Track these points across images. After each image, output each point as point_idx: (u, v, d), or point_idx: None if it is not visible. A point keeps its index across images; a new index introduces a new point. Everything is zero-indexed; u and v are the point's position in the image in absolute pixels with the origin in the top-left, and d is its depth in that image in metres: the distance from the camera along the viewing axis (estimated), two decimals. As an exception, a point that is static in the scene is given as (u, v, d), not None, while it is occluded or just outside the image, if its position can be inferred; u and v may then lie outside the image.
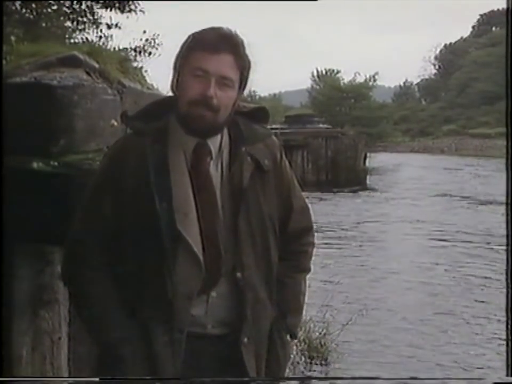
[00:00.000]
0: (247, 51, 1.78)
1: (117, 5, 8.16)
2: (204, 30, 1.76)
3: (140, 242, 1.73)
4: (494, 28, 69.36)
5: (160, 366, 1.71)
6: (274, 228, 1.86)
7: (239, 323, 1.78)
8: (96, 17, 8.37)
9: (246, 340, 1.78)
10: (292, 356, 3.86)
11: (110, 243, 1.77)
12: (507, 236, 2.25)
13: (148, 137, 1.75)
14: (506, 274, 2.27)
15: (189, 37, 1.76)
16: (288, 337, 1.94)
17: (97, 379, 1.85)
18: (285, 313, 1.92)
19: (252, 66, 1.80)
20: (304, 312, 2.06)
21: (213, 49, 1.70)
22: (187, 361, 1.74)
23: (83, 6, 8.12)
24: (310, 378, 4.65)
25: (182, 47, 1.76)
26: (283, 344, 1.92)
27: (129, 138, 1.84)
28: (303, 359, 5.13)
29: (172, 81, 1.79)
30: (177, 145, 1.78)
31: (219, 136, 1.82)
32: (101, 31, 8.55)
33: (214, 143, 1.80)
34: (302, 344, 5.16)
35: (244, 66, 1.76)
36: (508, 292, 2.31)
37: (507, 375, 2.23)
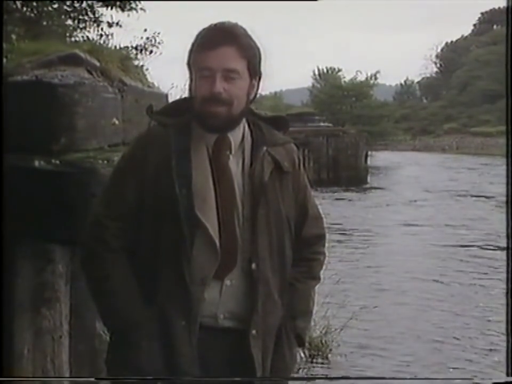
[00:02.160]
0: (252, 40, 1.80)
1: (117, 3, 8.17)
2: (204, 28, 1.79)
3: (159, 226, 1.76)
4: (495, 26, 69.29)
5: (177, 351, 1.73)
6: (290, 228, 1.90)
7: (249, 316, 1.80)
8: (97, 15, 8.37)
9: (254, 332, 1.80)
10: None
11: (131, 226, 1.80)
12: (507, 235, 2.24)
13: (172, 129, 1.80)
14: (507, 274, 2.27)
15: (195, 37, 1.80)
16: (295, 342, 1.95)
17: (93, 379, 1.86)
18: (294, 315, 1.93)
19: (261, 53, 1.83)
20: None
21: (212, 46, 1.74)
22: (197, 354, 1.76)
23: (84, 5, 8.12)
24: (313, 378, 4.65)
25: (190, 50, 1.81)
26: (290, 345, 1.93)
27: (154, 129, 1.88)
28: (304, 357, 5.13)
29: (189, 84, 1.83)
30: (200, 138, 1.82)
31: (241, 132, 1.86)
32: (101, 29, 8.54)
33: (235, 138, 1.84)
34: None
35: (249, 55, 1.78)
36: (508, 292, 2.31)
37: (507, 375, 2.23)
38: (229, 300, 1.80)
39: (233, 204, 1.80)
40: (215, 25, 1.78)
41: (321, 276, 2.04)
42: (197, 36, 1.79)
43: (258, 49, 1.82)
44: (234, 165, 1.83)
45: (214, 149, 1.81)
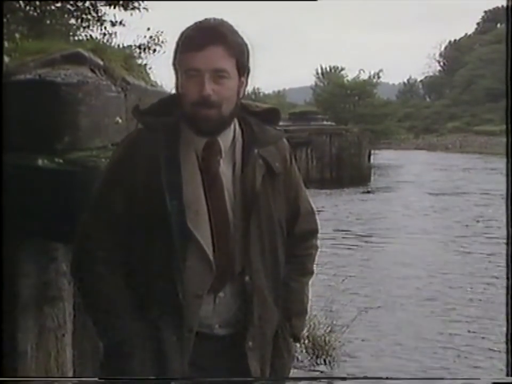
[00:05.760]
0: (239, 36, 1.74)
1: (120, 2, 8.17)
2: (189, 27, 1.73)
3: (150, 239, 1.72)
4: (498, 25, 69.08)
5: (168, 365, 1.71)
6: (282, 231, 1.86)
7: (245, 325, 1.78)
8: (100, 14, 8.36)
9: (251, 343, 1.78)
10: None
11: (121, 239, 1.75)
12: (507, 233, 2.24)
13: (159, 133, 1.74)
14: (507, 272, 2.26)
15: (180, 36, 1.75)
16: (291, 340, 1.94)
17: (96, 378, 1.84)
18: (289, 316, 1.92)
19: (249, 49, 1.77)
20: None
21: (199, 46, 1.68)
22: (194, 361, 1.74)
23: (87, 4, 8.12)
24: (315, 378, 4.65)
25: (175, 49, 1.75)
26: (288, 347, 1.92)
27: (140, 134, 1.81)
28: (307, 357, 5.13)
29: (176, 83, 1.78)
30: (188, 143, 1.77)
31: (231, 133, 1.81)
32: (105, 28, 8.55)
33: (224, 141, 1.78)
34: (307, 341, 5.16)
35: (237, 53, 1.72)
36: (508, 291, 2.30)
37: (507, 375, 2.22)
38: (223, 311, 1.78)
39: (225, 214, 1.76)
40: (200, 23, 1.72)
41: (314, 270, 2.03)
42: (181, 35, 1.73)
43: (246, 45, 1.76)
44: (225, 170, 1.78)
45: (204, 156, 1.76)
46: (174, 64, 1.76)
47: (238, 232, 1.76)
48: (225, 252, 1.75)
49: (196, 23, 1.73)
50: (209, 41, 1.68)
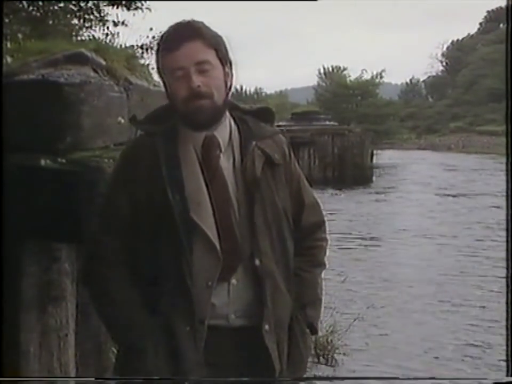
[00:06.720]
0: (212, 30, 1.80)
1: (123, 2, 8.18)
2: (163, 34, 1.80)
3: (156, 235, 1.76)
4: (501, 25, 68.98)
5: (183, 358, 1.73)
6: (288, 220, 1.89)
7: (259, 311, 1.80)
8: (102, 14, 8.38)
9: (267, 327, 1.80)
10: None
11: (128, 240, 1.79)
12: (507, 233, 2.24)
13: (158, 137, 1.80)
14: (507, 273, 2.26)
15: (157, 45, 1.82)
16: (308, 331, 1.95)
17: (93, 378, 1.86)
18: (304, 305, 1.93)
19: (225, 42, 1.83)
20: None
21: (177, 45, 1.74)
22: (212, 355, 1.77)
23: (89, 4, 8.13)
24: (315, 378, 4.64)
25: (156, 59, 1.81)
26: (304, 336, 1.93)
27: (140, 139, 1.88)
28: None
29: (165, 89, 1.84)
30: (187, 142, 1.82)
31: (227, 129, 1.85)
32: (107, 28, 8.55)
33: (222, 136, 1.83)
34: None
35: (215, 44, 1.79)
36: (508, 291, 2.30)
37: (507, 375, 2.23)
38: (237, 299, 1.80)
39: (229, 203, 1.80)
40: (173, 26, 1.79)
41: (326, 262, 2.04)
42: (159, 44, 1.80)
43: (221, 37, 1.82)
44: (225, 163, 1.83)
45: (203, 152, 1.81)
46: (159, 73, 1.83)
47: (244, 219, 1.80)
48: (231, 239, 1.78)
49: (168, 28, 1.80)
50: (185, 38, 1.74)
